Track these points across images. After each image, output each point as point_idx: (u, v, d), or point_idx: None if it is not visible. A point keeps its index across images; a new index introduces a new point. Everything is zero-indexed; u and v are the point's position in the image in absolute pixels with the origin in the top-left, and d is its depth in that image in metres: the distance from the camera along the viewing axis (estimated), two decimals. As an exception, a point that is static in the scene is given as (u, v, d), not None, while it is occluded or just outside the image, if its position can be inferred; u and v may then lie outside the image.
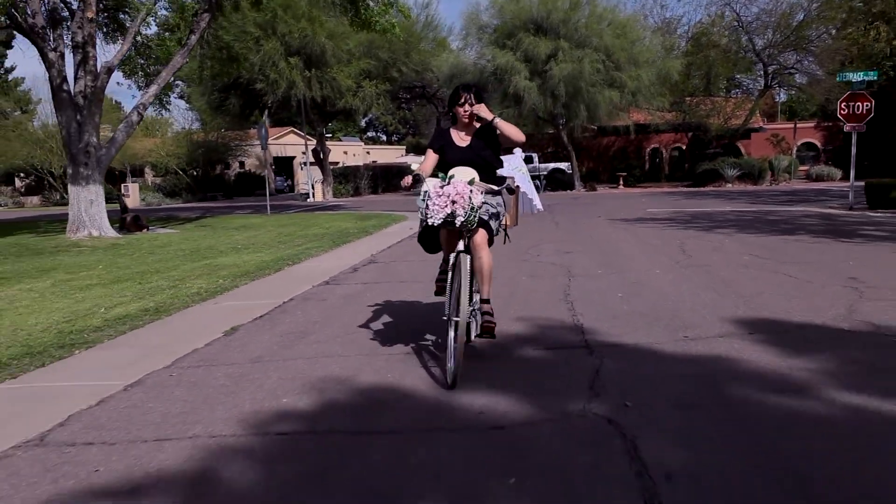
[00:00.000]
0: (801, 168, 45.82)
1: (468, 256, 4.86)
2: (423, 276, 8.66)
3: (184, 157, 51.67)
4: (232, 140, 52.61)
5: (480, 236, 4.86)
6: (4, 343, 6.46)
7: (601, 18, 37.41)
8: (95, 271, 11.86)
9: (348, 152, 65.04)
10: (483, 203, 4.76)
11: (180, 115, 73.24)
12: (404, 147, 75.47)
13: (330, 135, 56.94)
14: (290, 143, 59.00)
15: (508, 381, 4.59)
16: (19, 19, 18.08)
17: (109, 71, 19.01)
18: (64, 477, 3.44)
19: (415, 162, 65.48)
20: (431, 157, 5.25)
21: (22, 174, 55.83)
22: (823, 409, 3.95)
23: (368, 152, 68.75)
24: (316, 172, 43.74)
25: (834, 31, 39.03)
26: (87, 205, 18.78)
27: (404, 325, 6.63)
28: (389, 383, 4.78)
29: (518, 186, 5.39)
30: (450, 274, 4.93)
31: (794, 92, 51.67)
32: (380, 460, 3.49)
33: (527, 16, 36.60)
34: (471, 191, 4.63)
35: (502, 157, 5.52)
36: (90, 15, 18.39)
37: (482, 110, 5.08)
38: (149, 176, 57.04)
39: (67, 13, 20.15)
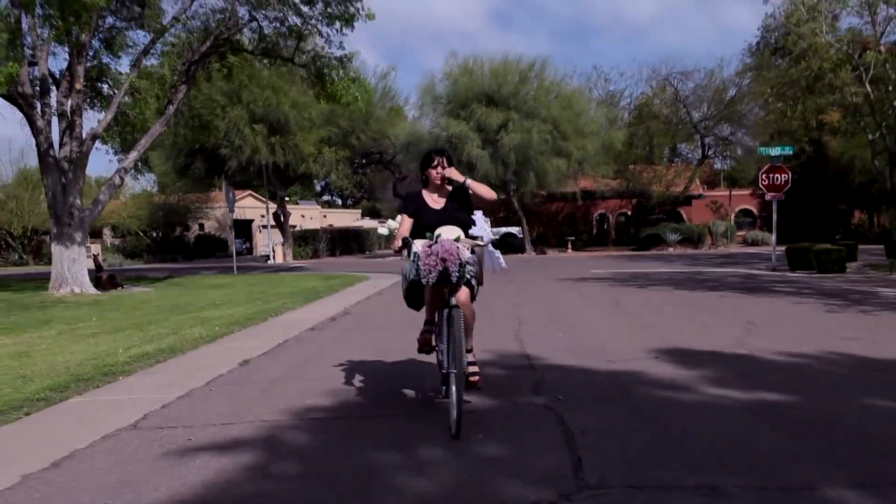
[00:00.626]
0: (738, 233, 48.61)
1: (460, 311, 5.12)
2: (395, 324, 10.21)
3: (145, 219, 52.73)
4: (192, 202, 53.85)
5: (464, 294, 5.24)
6: (50, 374, 7.79)
7: (549, 91, 39.96)
8: (91, 323, 13.07)
9: (305, 215, 66.61)
10: (468, 261, 5.08)
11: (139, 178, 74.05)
12: (360, 210, 77.28)
13: (287, 198, 58.60)
14: (249, 205, 60.43)
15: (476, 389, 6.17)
16: (9, 88, 19.41)
17: (94, 137, 20.49)
18: (168, 444, 4.94)
19: (378, 225, 66.98)
20: (407, 222, 5.58)
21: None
22: (697, 398, 5.67)
23: (325, 216, 70.46)
24: (276, 235, 45.16)
25: (765, 103, 42.14)
26: (70, 263, 20.00)
27: (386, 357, 8.19)
28: (384, 391, 6.37)
29: (490, 243, 5.72)
30: (445, 328, 5.26)
31: (728, 161, 54.84)
32: (388, 430, 5.07)
33: (479, 88, 38.94)
34: (458, 248, 4.98)
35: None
36: (78, 86, 19.90)
37: (453, 173, 5.46)
38: (107, 237, 57.83)
39: (52, 82, 21.48)
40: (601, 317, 11.29)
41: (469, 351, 5.45)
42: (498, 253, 5.91)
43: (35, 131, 19.88)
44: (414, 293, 5.58)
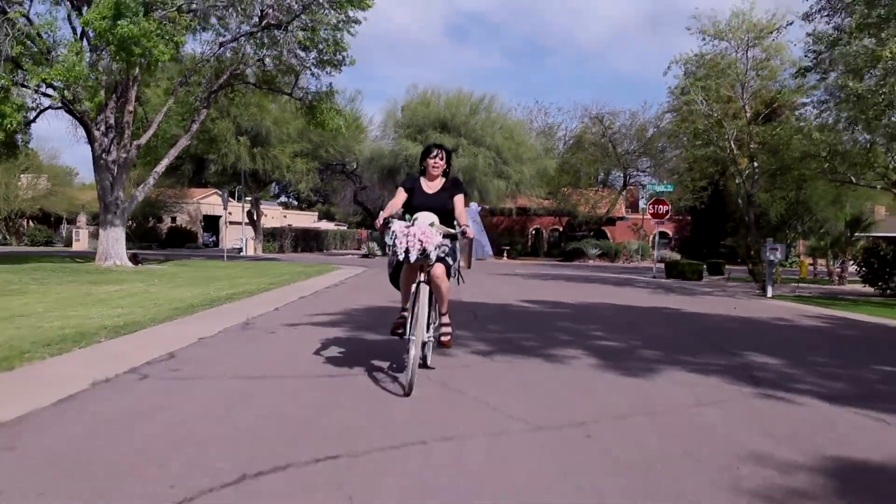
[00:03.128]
0: (653, 252, 56.02)
1: (427, 287, 5.80)
2: (381, 288, 16.57)
3: (123, 210, 57.86)
4: (169, 197, 59.09)
5: (440, 269, 5.80)
6: (185, 301, 13.89)
7: (494, 123, 46.70)
8: (158, 282, 18.72)
9: (268, 214, 72.19)
10: (441, 244, 5.64)
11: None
12: (317, 213, 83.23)
13: (250, 197, 64.32)
14: (216, 202, 65.84)
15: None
16: (73, 107, 25.27)
17: (139, 147, 26.46)
18: (301, 313, 11.36)
19: (330, 225, 72.74)
20: (401, 195, 6.06)
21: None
22: (533, 310, 12.40)
23: (285, 216, 76.15)
24: (248, 231, 51.07)
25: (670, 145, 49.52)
26: (114, 241, 25.90)
27: (384, 297, 14.63)
28: (387, 305, 12.84)
29: (472, 235, 5.96)
30: (411, 301, 5.84)
31: (647, 190, 62.39)
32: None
33: (434, 117, 45.40)
34: (433, 231, 5.53)
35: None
36: (130, 108, 25.91)
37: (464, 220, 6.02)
38: (81, 222, 62.66)
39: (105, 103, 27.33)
40: (507, 289, 18.04)
41: (444, 314, 6.22)
42: (485, 241, 7.40)
43: (91, 139, 25.68)
44: (397, 273, 6.16)
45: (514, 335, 9.24)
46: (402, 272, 5.95)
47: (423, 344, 6.05)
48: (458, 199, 6.11)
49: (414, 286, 5.80)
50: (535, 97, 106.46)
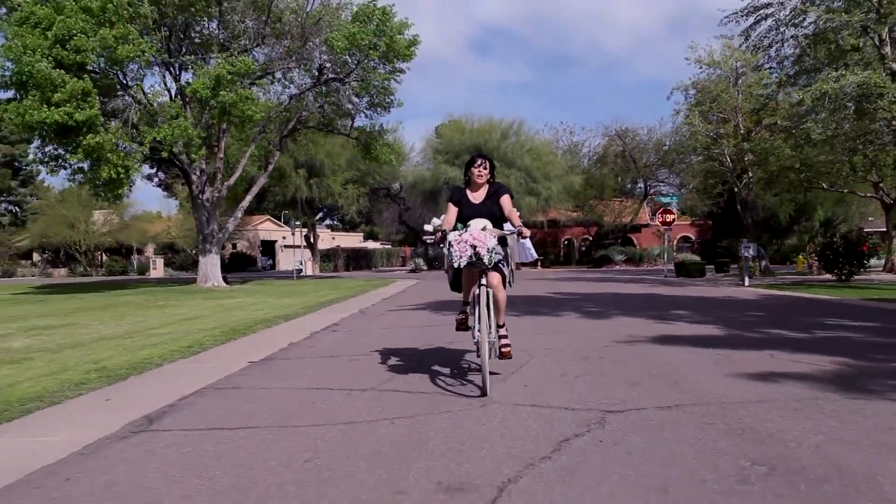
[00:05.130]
0: (676, 256, 60.65)
1: (489, 290, 6.00)
2: (441, 292, 21.82)
3: (191, 238, 63.86)
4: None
5: (496, 278, 6.10)
6: (302, 305, 19.18)
7: (523, 145, 51.87)
8: (260, 296, 24.16)
9: (320, 237, 77.97)
10: (494, 247, 5.85)
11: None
12: (362, 234, 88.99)
13: (299, 223, 69.86)
14: (268, 228, 71.68)
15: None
16: (176, 158, 30.82)
17: (229, 187, 32.02)
18: (388, 307, 16.59)
19: (376, 244, 78.20)
20: (452, 210, 6.41)
21: (45, 250, 67.22)
22: (554, 297, 17.52)
23: (334, 237, 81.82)
24: (307, 253, 56.67)
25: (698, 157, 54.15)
26: (211, 266, 31.41)
27: (443, 295, 19.77)
28: (451, 299, 18.02)
29: (527, 233, 6.34)
30: (476, 306, 6.11)
31: (670, 198, 66.94)
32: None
33: (469, 143, 50.53)
34: (485, 235, 5.80)
35: None
36: (221, 155, 31.47)
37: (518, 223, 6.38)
38: (150, 252, 68.72)
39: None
40: (538, 287, 23.08)
41: (501, 326, 6.40)
42: (529, 243, 6.74)
43: (189, 182, 31.31)
44: (457, 279, 6.62)
45: (536, 308, 14.42)
46: (463, 275, 6.34)
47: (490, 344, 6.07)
48: (505, 200, 6.36)
49: (476, 289, 6.07)
50: (560, 108, 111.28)
